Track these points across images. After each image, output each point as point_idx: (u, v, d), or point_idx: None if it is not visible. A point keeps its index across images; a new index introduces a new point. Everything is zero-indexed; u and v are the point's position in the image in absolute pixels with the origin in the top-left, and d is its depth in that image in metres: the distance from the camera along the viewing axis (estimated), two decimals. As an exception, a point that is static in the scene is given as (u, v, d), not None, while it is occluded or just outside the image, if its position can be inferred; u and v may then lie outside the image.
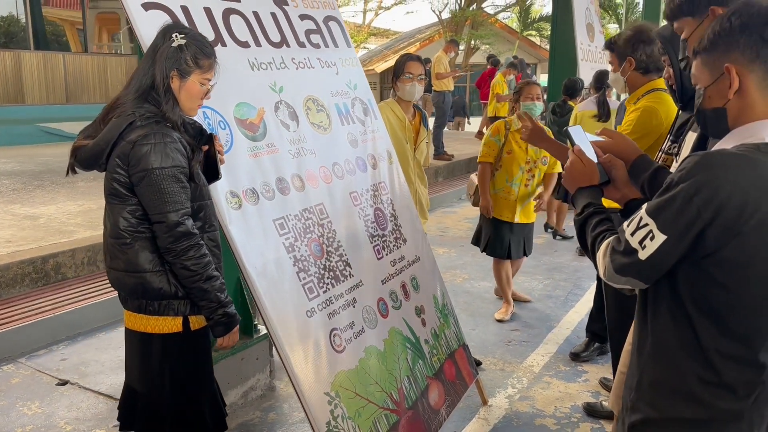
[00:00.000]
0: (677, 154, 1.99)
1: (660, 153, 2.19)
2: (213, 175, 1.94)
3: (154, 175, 1.73)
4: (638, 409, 1.29)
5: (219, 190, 2.04)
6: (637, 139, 2.47)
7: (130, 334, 1.90)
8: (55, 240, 4.55)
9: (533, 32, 25.71)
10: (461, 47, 20.79)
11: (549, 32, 26.49)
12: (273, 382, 3.25)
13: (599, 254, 1.30)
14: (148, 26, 2.02)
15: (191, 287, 1.79)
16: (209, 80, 1.89)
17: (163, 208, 1.74)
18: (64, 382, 3.25)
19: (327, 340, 2.22)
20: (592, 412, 2.98)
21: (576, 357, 3.55)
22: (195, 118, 1.92)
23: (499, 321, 4.09)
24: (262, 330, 3.19)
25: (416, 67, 3.37)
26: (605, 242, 1.29)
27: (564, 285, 4.86)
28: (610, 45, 2.84)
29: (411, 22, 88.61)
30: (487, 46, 22.08)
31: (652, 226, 1.17)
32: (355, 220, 2.61)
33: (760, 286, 1.14)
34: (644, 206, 1.21)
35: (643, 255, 1.18)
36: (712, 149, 1.21)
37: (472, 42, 21.80)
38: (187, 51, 1.82)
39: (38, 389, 3.16)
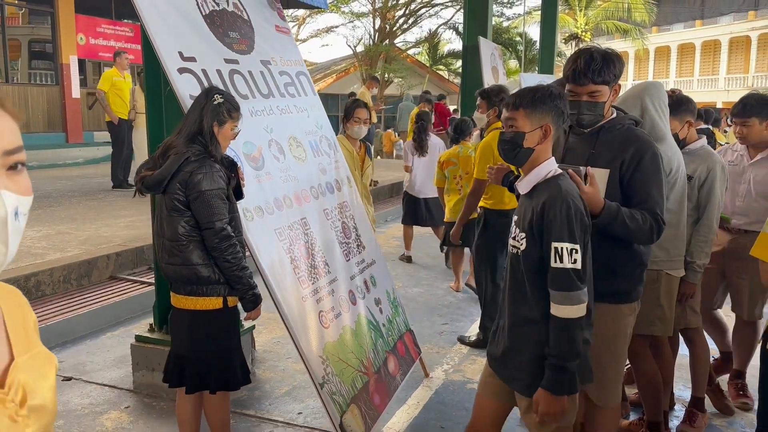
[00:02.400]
0: None
1: None
2: (238, 195, 2.65)
3: (205, 195, 2.43)
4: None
5: (238, 207, 2.75)
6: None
7: (181, 312, 2.56)
8: (29, 261, 4.97)
9: (442, 67, 27.39)
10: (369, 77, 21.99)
11: (456, 67, 28.30)
12: (254, 369, 3.90)
13: None
14: (182, 84, 2.73)
15: (230, 275, 2.49)
16: (237, 126, 2.62)
17: (212, 218, 2.44)
18: (68, 378, 3.76)
19: (317, 319, 2.96)
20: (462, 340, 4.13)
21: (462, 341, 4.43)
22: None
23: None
24: (246, 325, 3.84)
25: (363, 113, 4.25)
26: None
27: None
28: (484, 94, 4.02)
29: (327, 54, 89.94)
30: (400, 80, 23.39)
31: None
32: (328, 230, 3.37)
33: None
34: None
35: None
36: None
37: (386, 75, 23.03)
38: (224, 107, 2.55)
39: (48, 384, 3.65)
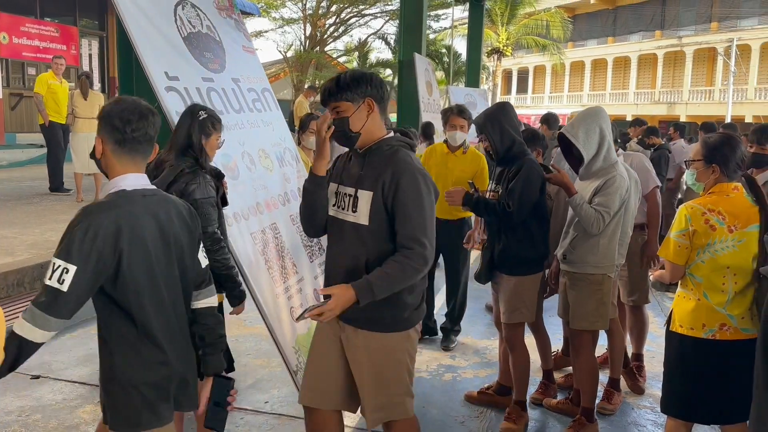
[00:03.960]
0: (498, 191, 3.41)
1: (488, 192, 3.59)
2: (223, 202, 2.95)
3: (199, 203, 2.71)
4: None
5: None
6: None
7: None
8: (-22, 266, 4.99)
9: (371, 75, 27.92)
10: (306, 86, 22.25)
11: (385, 75, 28.92)
12: (219, 364, 4.15)
13: None
14: (169, 102, 3.01)
15: (221, 273, 2.79)
16: (220, 137, 2.93)
17: (205, 224, 2.73)
18: (36, 377, 3.89)
19: (289, 314, 3.29)
20: None
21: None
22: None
23: None
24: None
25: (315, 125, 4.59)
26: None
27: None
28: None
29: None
30: (331, 87, 23.72)
31: None
32: (294, 235, 3.70)
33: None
34: None
35: None
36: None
37: (317, 82, 23.34)
38: (208, 121, 2.85)
39: (17, 383, 3.78)
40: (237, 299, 2.88)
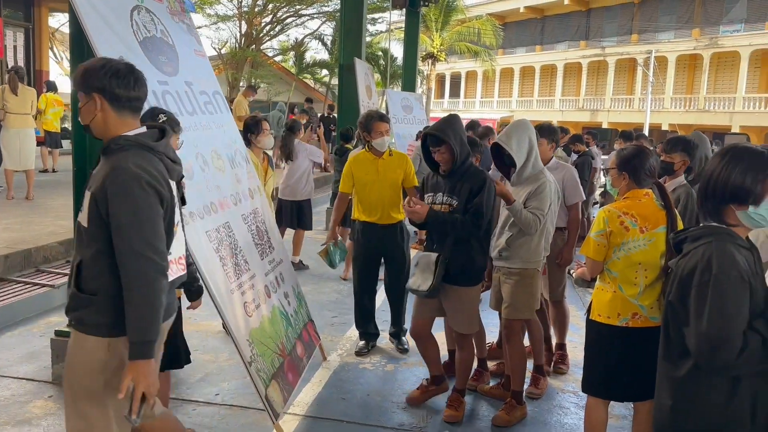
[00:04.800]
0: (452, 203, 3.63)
1: (437, 204, 3.79)
2: (182, 202, 3.08)
3: (160, 202, 2.85)
4: None
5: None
6: None
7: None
8: None
9: (308, 75, 27.98)
10: (242, 84, 22.09)
11: (321, 76, 28.99)
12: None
13: None
14: (128, 104, 3.11)
15: (180, 270, 2.92)
16: (179, 138, 3.06)
17: (166, 221, 2.86)
18: (-19, 375, 3.88)
19: (242, 308, 3.45)
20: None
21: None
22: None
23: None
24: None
25: (267, 125, 4.74)
26: None
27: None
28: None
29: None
30: (267, 85, 23.65)
31: None
32: (246, 233, 3.86)
33: None
34: None
35: None
36: None
37: (253, 80, 23.18)
38: (168, 123, 2.98)
39: (-39, 381, 3.76)
40: (195, 294, 3.03)
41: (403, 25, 22.66)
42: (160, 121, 2.96)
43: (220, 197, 3.69)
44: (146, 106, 3.14)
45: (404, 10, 14.16)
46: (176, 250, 2.32)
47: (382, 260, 4.74)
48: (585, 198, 4.52)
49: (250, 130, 4.81)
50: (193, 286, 3.00)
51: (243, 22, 22.82)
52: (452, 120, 3.64)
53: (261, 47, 24.17)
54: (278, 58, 27.32)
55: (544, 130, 4.24)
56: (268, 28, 23.47)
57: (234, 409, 3.70)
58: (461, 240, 3.57)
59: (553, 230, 3.91)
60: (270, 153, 7.22)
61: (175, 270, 2.29)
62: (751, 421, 1.95)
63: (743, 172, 1.96)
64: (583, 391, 3.08)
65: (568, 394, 4.15)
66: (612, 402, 3.12)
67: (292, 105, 14.43)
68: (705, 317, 1.89)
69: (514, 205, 3.62)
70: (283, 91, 23.92)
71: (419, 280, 3.59)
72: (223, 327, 4.90)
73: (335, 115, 12.86)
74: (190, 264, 2.98)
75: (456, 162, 3.55)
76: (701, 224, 2.06)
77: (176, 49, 3.83)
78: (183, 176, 3.06)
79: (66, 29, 19.81)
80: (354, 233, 4.84)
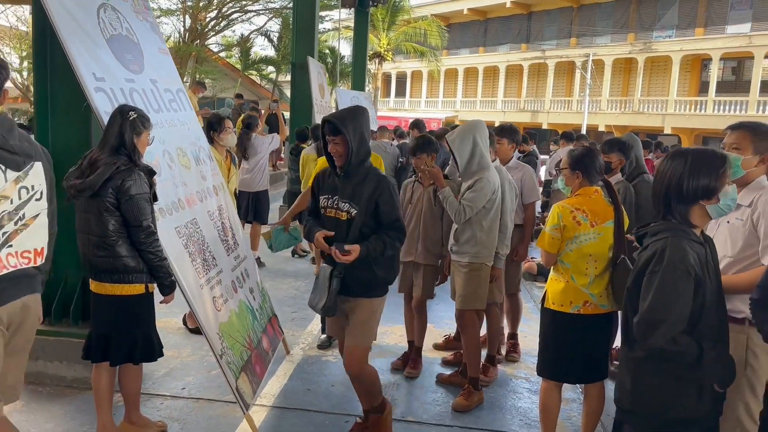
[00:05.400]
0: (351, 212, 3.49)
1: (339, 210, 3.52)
2: (153, 198, 3.14)
3: (135, 198, 2.90)
4: None
5: (149, 208, 3.22)
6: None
7: (106, 298, 2.97)
8: None
9: (254, 72, 27.69)
10: (185, 80, 21.67)
11: (267, 72, 28.72)
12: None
13: None
14: (98, 101, 3.14)
15: (153, 265, 2.99)
16: (150, 134, 3.12)
17: (140, 218, 2.92)
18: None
19: (212, 303, 3.52)
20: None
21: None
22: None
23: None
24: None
25: (230, 123, 4.79)
26: None
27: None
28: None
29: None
30: (212, 82, 23.28)
31: None
32: (212, 229, 3.92)
33: None
34: None
35: None
36: None
37: (197, 76, 22.79)
38: (138, 120, 3.03)
39: None
40: (168, 289, 3.09)
41: (349, 23, 22.82)
42: (131, 118, 3.01)
43: (186, 194, 3.74)
44: (115, 104, 3.21)
45: (353, 9, 14.29)
46: (21, 244, 2.38)
47: None
48: (540, 198, 4.79)
49: (213, 128, 4.85)
50: (166, 280, 3.06)
51: (187, 17, 22.40)
52: (356, 112, 3.19)
53: (206, 43, 23.79)
54: (223, 54, 26.93)
55: (505, 131, 4.48)
56: (213, 23, 23.12)
57: (201, 402, 3.77)
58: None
59: (512, 227, 4.13)
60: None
61: (13, 263, 2.35)
62: (698, 399, 2.19)
63: (708, 172, 2.19)
64: (539, 374, 3.30)
65: (521, 380, 4.40)
66: (564, 385, 3.36)
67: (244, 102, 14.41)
68: (647, 302, 2.13)
69: (443, 191, 3.91)
70: (228, 87, 23.58)
71: (316, 296, 3.22)
72: (183, 323, 4.95)
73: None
74: (164, 258, 3.04)
75: (351, 159, 3.08)
76: (660, 221, 2.29)
77: (141, 47, 3.86)
78: (155, 173, 3.14)
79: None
80: None
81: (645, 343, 2.16)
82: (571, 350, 3.15)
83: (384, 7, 25.51)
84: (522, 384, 4.34)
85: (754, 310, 2.17)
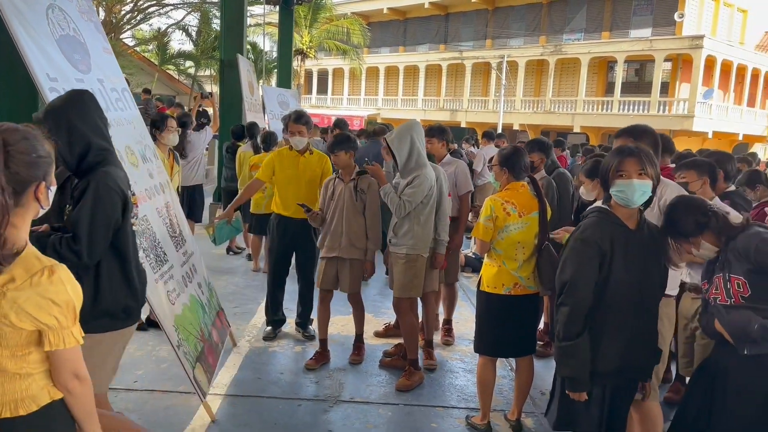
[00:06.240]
0: None
1: None
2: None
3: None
4: None
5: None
6: None
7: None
8: None
9: (171, 67, 27.01)
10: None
11: (186, 67, 28.05)
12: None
13: None
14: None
15: (115, 260, 3.09)
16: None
17: (101, 214, 3.02)
18: None
19: (167, 297, 3.65)
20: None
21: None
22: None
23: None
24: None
25: (173, 122, 4.89)
26: None
27: (259, 277, 6.73)
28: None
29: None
30: (128, 77, 22.55)
31: None
32: (162, 226, 4.02)
33: None
34: None
35: None
36: None
37: (112, 71, 22.03)
38: (99, 122, 3.13)
39: None
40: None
41: (269, 19, 22.69)
42: (89, 118, 3.10)
43: (136, 192, 3.83)
44: (69, 104, 3.27)
45: (278, 7, 14.33)
46: None
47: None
48: (473, 189, 5.17)
49: (156, 126, 4.91)
50: (126, 275, 3.17)
51: (101, 10, 21.60)
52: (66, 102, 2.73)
53: (121, 36, 23.01)
54: (139, 49, 26.11)
55: (435, 131, 4.82)
56: (128, 16, 22.41)
57: (156, 394, 3.88)
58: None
59: (448, 220, 4.48)
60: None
61: None
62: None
63: (604, 167, 2.61)
64: (476, 351, 3.66)
65: (457, 362, 4.76)
66: (498, 360, 3.73)
67: (168, 97, 14.13)
68: (559, 265, 2.60)
69: (384, 188, 4.20)
70: (145, 82, 22.92)
71: None
72: (153, 313, 4.98)
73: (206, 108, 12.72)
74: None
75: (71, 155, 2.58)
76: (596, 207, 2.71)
77: (87, 47, 3.91)
78: (114, 171, 3.24)
79: None
80: (270, 226, 5.07)
81: (558, 302, 2.57)
82: (503, 328, 3.52)
83: (307, 4, 25.55)
84: (458, 364, 4.70)
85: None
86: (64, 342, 1.59)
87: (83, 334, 1.65)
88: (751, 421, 2.37)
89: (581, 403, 2.61)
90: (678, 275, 3.15)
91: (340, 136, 4.49)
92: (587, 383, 2.57)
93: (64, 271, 1.60)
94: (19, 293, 1.51)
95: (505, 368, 4.55)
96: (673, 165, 3.94)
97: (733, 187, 4.08)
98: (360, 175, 4.41)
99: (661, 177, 3.13)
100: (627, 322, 2.56)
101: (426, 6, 34.63)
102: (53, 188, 1.72)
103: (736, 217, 2.83)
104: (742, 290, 2.41)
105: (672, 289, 3.06)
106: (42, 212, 1.70)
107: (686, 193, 3.05)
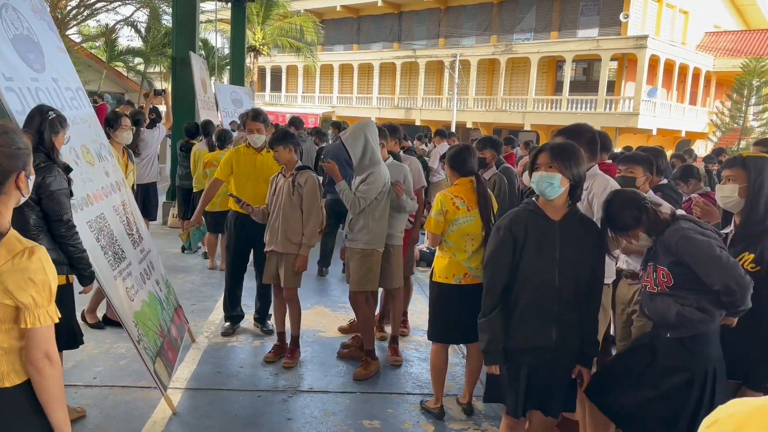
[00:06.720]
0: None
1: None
2: (70, 194, 3.28)
3: (55, 194, 3.05)
4: None
5: (63, 204, 3.35)
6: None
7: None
8: None
9: (120, 64, 26.43)
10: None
11: (135, 64, 27.47)
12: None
13: None
14: (10, 101, 3.24)
15: (74, 257, 3.15)
16: (66, 133, 3.27)
17: (61, 212, 3.07)
18: None
19: (125, 293, 3.71)
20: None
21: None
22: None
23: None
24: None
25: (127, 121, 4.91)
26: None
27: (216, 275, 6.77)
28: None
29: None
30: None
31: None
32: (119, 224, 4.07)
33: None
34: None
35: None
36: None
37: (59, 68, 21.43)
38: (56, 120, 3.18)
39: None
40: (88, 279, 3.26)
41: (221, 15, 22.47)
42: (50, 117, 3.16)
43: (93, 190, 3.87)
44: (24, 103, 3.31)
45: (230, 4, 14.25)
46: None
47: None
48: (426, 185, 5.37)
49: (109, 124, 4.92)
50: (86, 271, 3.23)
51: (46, 5, 20.98)
52: None
53: (67, 32, 22.40)
54: (87, 45, 25.45)
55: (387, 129, 4.96)
56: (74, 12, 21.83)
57: (115, 389, 3.93)
58: None
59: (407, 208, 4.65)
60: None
61: None
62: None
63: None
64: (429, 339, 3.84)
65: (412, 351, 4.94)
66: (450, 347, 3.91)
67: (120, 96, 13.87)
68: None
69: (339, 185, 4.32)
70: (93, 79, 22.39)
71: None
72: (82, 319, 5.00)
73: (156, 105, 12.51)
74: (84, 250, 3.21)
75: None
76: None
77: (41, 47, 3.91)
78: (71, 170, 3.30)
79: None
80: (227, 223, 5.12)
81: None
82: (455, 315, 3.71)
83: (260, 1, 25.39)
84: (413, 354, 4.88)
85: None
86: (39, 320, 1.69)
87: (59, 315, 1.76)
88: (667, 396, 2.61)
89: (504, 377, 2.82)
90: (613, 264, 3.38)
91: (278, 132, 4.52)
92: (500, 358, 2.80)
93: (43, 253, 1.71)
94: (1, 271, 1.63)
95: (457, 355, 4.75)
96: (610, 162, 4.19)
97: (665, 181, 4.36)
98: (300, 171, 4.44)
99: (597, 172, 3.38)
100: (539, 305, 2.74)
101: (379, 4, 34.81)
102: (32, 177, 1.84)
103: (667, 209, 3.07)
104: (666, 280, 2.64)
105: (608, 277, 3.29)
106: (23, 199, 1.82)
107: (613, 185, 3.26)
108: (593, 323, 2.85)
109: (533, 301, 2.75)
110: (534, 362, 2.79)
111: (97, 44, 27.88)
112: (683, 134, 28.31)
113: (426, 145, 13.60)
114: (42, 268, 1.69)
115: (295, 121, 8.83)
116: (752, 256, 2.74)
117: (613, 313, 3.73)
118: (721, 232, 2.91)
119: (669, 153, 14.24)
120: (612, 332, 4.01)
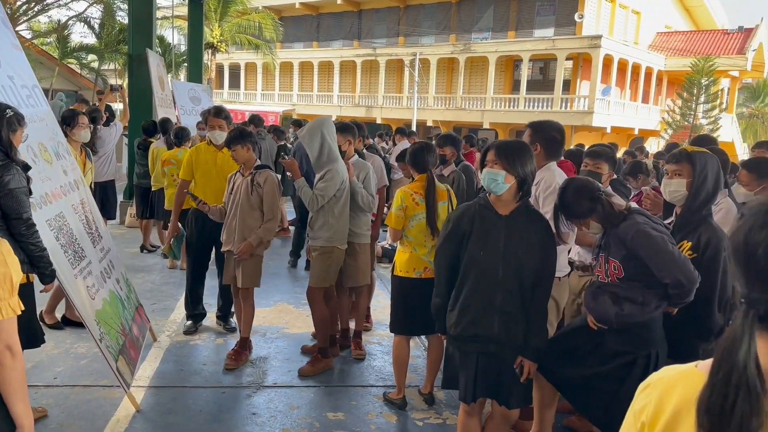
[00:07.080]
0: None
1: None
2: (29, 192, 3.25)
3: (14, 192, 3.03)
4: None
5: (21, 203, 3.32)
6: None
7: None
8: None
9: (73, 60, 25.78)
10: None
11: (88, 61, 26.83)
12: None
13: None
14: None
15: (35, 255, 3.12)
16: (24, 131, 3.24)
17: (20, 211, 3.05)
18: None
19: (86, 292, 3.69)
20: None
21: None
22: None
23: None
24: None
25: (84, 119, 4.85)
26: None
27: (176, 274, 6.72)
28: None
29: None
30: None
31: None
32: (78, 223, 4.03)
33: None
34: None
35: None
36: None
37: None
38: (14, 118, 3.16)
39: None
40: (49, 278, 3.24)
41: (178, 12, 22.12)
42: (8, 115, 3.13)
43: (51, 188, 3.83)
44: (-20, 101, 3.26)
45: (187, 0, 14.07)
46: None
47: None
48: (389, 184, 5.47)
49: (66, 123, 4.85)
50: (47, 269, 3.21)
51: (-6, -1, 20.34)
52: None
53: (17, 28, 21.74)
54: (38, 41, 24.74)
55: (347, 128, 5.01)
56: (25, 8, 21.20)
57: (76, 389, 3.90)
58: None
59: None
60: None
61: None
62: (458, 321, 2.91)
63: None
64: (391, 331, 3.93)
65: (375, 345, 5.03)
66: (412, 339, 4.01)
67: (80, 97, 13.51)
68: None
69: (298, 182, 4.37)
70: (45, 77, 21.79)
71: None
72: (41, 320, 4.93)
73: (109, 103, 12.25)
74: (44, 249, 3.19)
75: None
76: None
77: (-5, 43, 3.85)
78: (30, 168, 3.28)
79: None
80: (188, 221, 5.06)
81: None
82: (416, 308, 3.80)
83: (216, -2, 25.10)
84: (376, 348, 4.97)
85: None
86: (1, 313, 1.70)
87: (22, 308, 1.77)
88: (612, 374, 2.77)
89: (458, 365, 2.93)
90: (565, 255, 3.53)
91: (235, 131, 4.47)
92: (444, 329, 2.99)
93: (4, 246, 1.72)
94: None
95: (419, 348, 4.86)
96: (563, 159, 4.35)
97: (615, 176, 4.55)
98: (258, 170, 4.43)
99: (552, 168, 3.52)
100: (481, 295, 2.81)
101: (339, 2, 34.77)
102: None
103: (622, 202, 3.20)
104: (617, 272, 2.78)
105: (560, 270, 3.42)
106: None
107: (559, 182, 3.36)
108: (540, 315, 2.86)
109: (475, 290, 2.82)
110: (481, 350, 2.84)
111: (49, 41, 27.15)
112: (636, 132, 29.13)
113: (387, 143, 13.71)
114: (3, 260, 1.70)
115: (255, 119, 8.85)
116: (690, 243, 2.90)
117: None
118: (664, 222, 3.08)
119: (622, 150, 14.69)
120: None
